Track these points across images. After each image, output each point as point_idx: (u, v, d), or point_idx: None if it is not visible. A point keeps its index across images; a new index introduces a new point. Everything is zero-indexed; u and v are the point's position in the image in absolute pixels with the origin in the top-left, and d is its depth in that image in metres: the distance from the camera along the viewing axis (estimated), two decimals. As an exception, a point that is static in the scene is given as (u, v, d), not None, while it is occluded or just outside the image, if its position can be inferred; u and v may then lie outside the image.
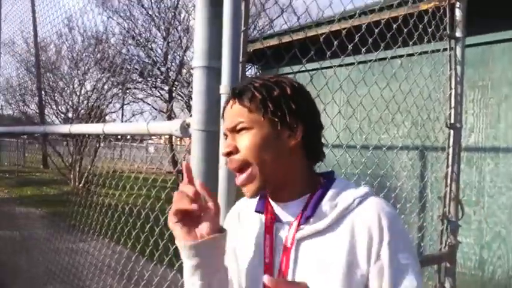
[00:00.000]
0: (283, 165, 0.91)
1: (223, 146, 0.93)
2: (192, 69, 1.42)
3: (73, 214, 3.19)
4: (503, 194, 3.44)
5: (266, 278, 0.68)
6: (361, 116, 1.95)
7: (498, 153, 3.48)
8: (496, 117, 3.51)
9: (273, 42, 3.34)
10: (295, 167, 0.93)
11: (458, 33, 2.07)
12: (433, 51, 2.08)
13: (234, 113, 0.91)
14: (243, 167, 0.90)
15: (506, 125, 3.44)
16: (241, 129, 0.90)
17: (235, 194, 1.34)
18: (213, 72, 1.35)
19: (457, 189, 2.11)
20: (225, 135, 0.95)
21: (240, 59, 1.33)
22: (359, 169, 2.00)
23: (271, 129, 0.89)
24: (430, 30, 2.03)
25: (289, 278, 0.88)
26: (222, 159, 1.34)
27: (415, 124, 2.17)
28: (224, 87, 1.31)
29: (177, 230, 0.88)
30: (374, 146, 2.19)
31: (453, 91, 2.09)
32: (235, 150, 0.90)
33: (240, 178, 0.91)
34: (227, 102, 0.94)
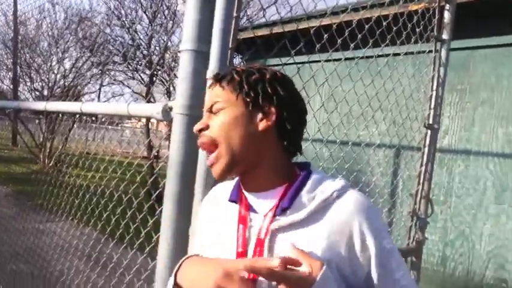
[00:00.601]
0: (253, 148, 0.91)
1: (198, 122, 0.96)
2: (179, 52, 1.39)
3: (41, 193, 3.10)
4: (470, 195, 3.55)
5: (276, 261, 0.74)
6: (342, 111, 1.96)
7: (469, 156, 3.59)
8: (470, 121, 3.61)
9: (262, 32, 3.32)
10: (268, 153, 0.92)
11: (444, 36, 2.11)
12: (418, 52, 2.12)
13: (212, 94, 0.96)
14: (212, 146, 0.92)
15: (480, 129, 3.54)
16: (217, 109, 0.93)
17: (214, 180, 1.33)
18: (200, 56, 1.33)
19: (429, 188, 2.17)
20: (204, 115, 0.99)
21: (230, 45, 1.31)
22: (336, 163, 2.02)
23: (244, 110, 0.92)
24: (418, 30, 2.05)
25: None
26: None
27: (393, 122, 2.20)
28: (211, 72, 1.29)
29: None
30: (352, 142, 2.21)
31: (434, 93, 2.13)
32: (206, 128, 0.94)
33: (210, 158, 0.93)
34: (209, 86, 0.99)
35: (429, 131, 2.14)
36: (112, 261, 1.77)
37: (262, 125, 0.91)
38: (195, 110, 1.32)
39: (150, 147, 6.36)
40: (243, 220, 0.92)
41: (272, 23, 3.33)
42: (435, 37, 2.12)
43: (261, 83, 0.92)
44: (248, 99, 0.91)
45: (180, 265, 0.94)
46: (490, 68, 3.53)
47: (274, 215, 0.88)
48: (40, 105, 2.21)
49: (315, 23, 1.72)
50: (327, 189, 0.88)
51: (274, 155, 0.93)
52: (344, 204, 0.87)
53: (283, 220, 0.87)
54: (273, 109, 0.91)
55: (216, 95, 0.94)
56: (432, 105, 2.14)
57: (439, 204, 3.66)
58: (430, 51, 2.15)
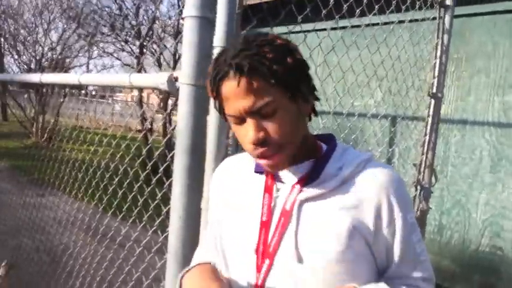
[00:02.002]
0: (301, 133, 0.89)
1: (251, 133, 0.82)
2: (182, 19, 1.34)
3: (38, 168, 3.06)
4: (466, 164, 3.59)
5: None
6: (342, 80, 1.92)
7: (465, 125, 3.60)
8: (466, 90, 3.60)
9: None
10: (305, 131, 0.91)
11: (448, 1, 2.06)
12: (423, 20, 2.07)
13: (251, 92, 0.79)
14: (277, 151, 0.84)
15: (476, 98, 3.54)
16: (272, 110, 0.81)
17: (225, 151, 1.31)
18: (206, 22, 1.27)
19: (433, 158, 2.17)
20: (235, 117, 0.83)
21: (237, 11, 1.26)
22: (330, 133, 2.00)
23: (293, 104, 0.84)
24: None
25: (291, 238, 0.87)
26: (212, 115, 1.29)
27: (390, 92, 2.17)
28: (218, 39, 1.25)
29: None
30: (347, 112, 2.18)
31: (438, 60, 2.10)
32: (266, 137, 0.82)
33: (273, 162, 0.85)
34: (224, 77, 0.81)
35: (433, 100, 2.13)
36: (121, 234, 1.77)
37: (305, 109, 0.88)
38: (202, 80, 1.27)
39: (144, 119, 6.29)
40: (268, 190, 0.92)
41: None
42: (439, 3, 2.08)
43: (296, 65, 0.83)
44: (293, 89, 0.83)
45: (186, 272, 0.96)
46: (487, 35, 3.50)
47: (303, 186, 0.88)
48: (35, 77, 2.13)
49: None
50: (354, 161, 0.89)
51: (305, 131, 0.91)
52: (372, 175, 0.87)
53: (311, 190, 0.87)
54: (306, 89, 0.87)
55: (258, 92, 0.79)
56: (436, 74, 2.12)
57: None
58: (434, 19, 2.11)
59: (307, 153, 0.91)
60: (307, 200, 0.88)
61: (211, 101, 1.31)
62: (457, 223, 3.64)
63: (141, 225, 1.50)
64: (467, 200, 3.57)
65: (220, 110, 0.88)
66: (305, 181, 0.89)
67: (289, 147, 0.85)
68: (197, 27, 1.27)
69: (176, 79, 1.34)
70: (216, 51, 1.27)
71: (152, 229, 1.45)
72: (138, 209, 1.55)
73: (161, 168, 1.54)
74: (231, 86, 0.80)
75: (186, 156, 1.29)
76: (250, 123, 0.82)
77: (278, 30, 1.53)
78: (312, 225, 0.86)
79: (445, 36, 2.08)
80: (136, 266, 1.61)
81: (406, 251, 0.88)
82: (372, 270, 0.89)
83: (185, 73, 1.29)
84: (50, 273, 2.46)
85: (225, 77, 0.81)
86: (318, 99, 0.92)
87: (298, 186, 0.89)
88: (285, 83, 0.81)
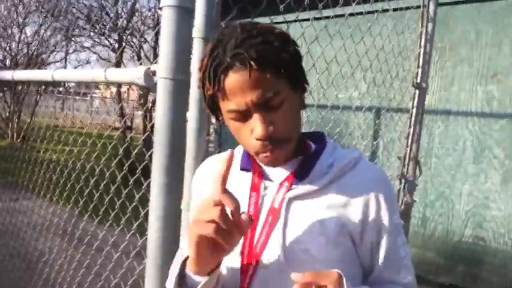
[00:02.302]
0: (300, 129, 0.87)
1: (260, 127, 0.77)
2: (159, 9, 1.26)
3: (12, 170, 2.95)
4: (449, 155, 3.59)
5: (294, 275, 0.68)
6: (321, 71, 1.87)
7: (449, 116, 3.61)
8: (450, 80, 3.60)
9: None
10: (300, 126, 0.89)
11: (433, -11, 2.03)
12: (407, 8, 2.03)
13: (260, 83, 0.75)
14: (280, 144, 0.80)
15: (459, 88, 3.55)
16: (279, 102, 0.77)
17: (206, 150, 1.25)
18: (184, 12, 1.19)
19: (417, 150, 2.15)
20: (239, 112, 0.78)
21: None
22: (314, 127, 1.95)
23: (295, 94, 0.81)
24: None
25: (278, 237, 0.84)
26: (192, 111, 1.22)
27: (374, 83, 2.13)
28: (198, 30, 1.18)
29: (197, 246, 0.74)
30: (331, 105, 2.13)
31: (422, 50, 2.07)
32: (275, 130, 0.78)
33: (277, 156, 0.81)
34: (229, 69, 0.75)
35: (417, 91, 2.10)
36: (98, 238, 1.69)
37: (303, 101, 0.86)
38: (181, 73, 1.20)
39: (122, 116, 6.14)
40: (255, 188, 0.88)
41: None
42: (423, -10, 2.04)
43: (296, 54, 0.80)
44: (296, 79, 0.80)
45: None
46: (470, 23, 3.50)
47: (291, 184, 0.85)
48: (7, 75, 2.04)
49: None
50: (344, 158, 0.87)
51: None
52: (361, 173, 0.87)
53: (300, 188, 0.85)
54: (304, 80, 0.84)
55: (268, 84, 0.75)
56: (420, 63, 2.09)
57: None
58: (418, 7, 2.07)
59: (296, 150, 0.87)
60: (295, 198, 0.85)
61: (191, 96, 1.25)
62: (441, 215, 3.65)
63: (119, 228, 1.43)
64: (450, 192, 3.58)
65: (214, 107, 0.83)
66: (294, 179, 0.86)
67: (293, 140, 0.82)
68: (175, 18, 1.19)
69: (154, 73, 1.27)
70: (195, 43, 1.20)
71: (130, 232, 1.38)
72: (115, 211, 1.47)
73: (139, 168, 1.47)
74: (237, 78, 0.74)
75: (165, 155, 1.23)
76: (257, 117, 0.77)
77: (260, 20, 1.47)
78: (300, 223, 0.84)
79: (430, 25, 2.04)
80: (115, 271, 1.54)
81: (390, 254, 0.86)
82: (358, 271, 0.88)
83: (163, 67, 1.22)
84: (25, 279, 2.36)
85: (229, 68, 0.74)
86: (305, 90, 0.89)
87: (286, 184, 0.86)
88: (291, 72, 0.78)
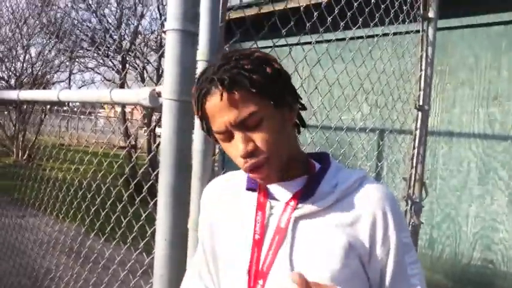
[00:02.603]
0: (289, 144, 0.87)
1: (240, 146, 0.80)
2: (163, 32, 1.30)
3: (17, 188, 2.97)
4: (454, 176, 3.58)
5: (293, 275, 0.67)
6: (324, 93, 1.90)
7: (452, 137, 3.61)
8: (451, 102, 3.62)
9: (251, 12, 3.20)
10: (295, 144, 0.90)
11: (431, 14, 2.07)
12: (407, 33, 2.07)
13: (234, 104, 0.79)
14: (263, 162, 0.82)
15: (461, 110, 3.56)
16: (256, 121, 0.80)
17: (212, 169, 1.26)
18: (188, 36, 1.23)
19: (422, 171, 2.15)
20: (222, 132, 0.82)
21: (220, 24, 1.23)
22: (318, 148, 1.96)
23: (277, 112, 0.83)
24: (405, 8, 2.00)
25: (285, 257, 0.84)
26: (197, 133, 1.24)
27: (377, 105, 2.16)
28: (202, 54, 1.21)
29: None
30: (340, 127, 2.16)
31: (423, 73, 2.09)
32: (255, 148, 0.81)
33: (261, 173, 0.83)
34: (207, 94, 0.81)
35: (420, 113, 2.11)
36: (104, 257, 1.69)
37: (291, 117, 0.87)
38: (185, 95, 1.23)
39: (127, 135, 6.17)
40: (261, 207, 0.90)
41: (256, 2, 3.25)
42: (421, 16, 2.08)
43: (277, 74, 0.83)
44: (276, 98, 0.82)
45: None
46: (468, 48, 3.54)
47: (297, 203, 0.86)
48: (12, 94, 2.07)
49: (304, 1, 1.65)
50: (350, 178, 0.88)
51: (295, 144, 0.91)
52: (368, 192, 0.87)
53: (307, 207, 0.86)
54: (290, 97, 0.86)
55: (242, 103, 0.79)
56: (422, 86, 2.11)
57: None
58: (418, 31, 2.11)
59: (300, 170, 0.90)
60: (302, 217, 0.86)
61: (196, 117, 1.27)
62: (448, 237, 3.62)
63: (126, 246, 1.43)
64: (457, 213, 3.56)
65: (208, 130, 0.87)
66: (299, 198, 0.87)
67: (279, 156, 0.83)
68: (179, 41, 1.23)
69: (159, 94, 1.29)
70: (199, 66, 1.23)
71: (137, 251, 1.38)
72: (122, 230, 1.48)
73: (145, 187, 1.48)
74: (214, 102, 0.80)
75: (171, 174, 1.24)
76: (237, 136, 0.81)
77: (262, 43, 1.50)
78: (307, 243, 0.84)
79: (429, 49, 2.08)
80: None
81: (398, 273, 0.85)
82: None
83: (168, 88, 1.25)
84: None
85: (207, 94, 0.81)
86: (304, 108, 0.92)
87: (292, 203, 0.87)
88: (267, 91, 0.81)
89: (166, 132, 1.25)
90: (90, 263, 1.90)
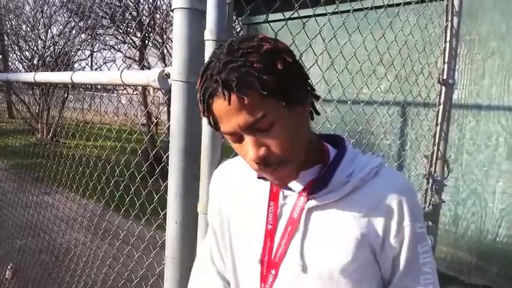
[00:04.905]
0: (304, 139, 0.82)
1: (251, 151, 0.76)
2: (171, 11, 1.25)
3: (41, 166, 3.03)
4: (481, 151, 3.45)
5: None
6: (342, 67, 1.81)
7: (480, 110, 3.46)
8: (480, 74, 3.45)
9: None
10: (309, 135, 0.85)
11: (457, -20, 1.94)
12: (431, 1, 1.94)
13: (243, 107, 0.73)
14: (280, 164, 0.78)
15: (490, 82, 3.40)
16: (268, 124, 0.74)
17: (221, 152, 1.23)
18: (196, 14, 1.19)
19: (445, 148, 2.06)
20: (232, 134, 0.77)
21: (228, 0, 1.17)
22: (336, 124, 1.91)
23: (290, 111, 0.77)
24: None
25: (297, 247, 0.84)
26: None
27: (397, 78, 2.04)
28: (209, 33, 1.16)
29: None
30: (353, 101, 2.07)
31: (448, 44, 1.98)
32: (268, 153, 0.76)
33: (280, 176, 0.80)
34: (213, 96, 0.74)
35: (443, 87, 2.01)
36: (110, 232, 1.72)
37: (304, 112, 0.82)
38: (194, 76, 1.19)
39: (148, 114, 6.21)
40: (274, 197, 0.88)
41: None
42: (447, -18, 1.95)
43: (288, 69, 0.75)
44: (288, 98, 0.76)
45: None
46: (501, 14, 3.33)
47: (310, 193, 0.84)
48: (29, 77, 2.10)
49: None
50: (364, 168, 0.85)
51: (309, 134, 0.86)
52: (383, 183, 0.84)
53: (320, 198, 0.84)
54: (303, 92, 0.80)
55: (252, 108, 0.73)
56: (446, 59, 2.00)
57: (450, 162, 3.55)
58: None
59: (313, 158, 0.86)
60: (315, 208, 0.84)
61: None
62: (473, 213, 3.52)
63: (144, 219, 1.44)
64: (483, 189, 3.45)
65: (216, 127, 0.82)
66: (313, 188, 0.85)
67: (295, 157, 0.79)
68: (186, 20, 1.19)
69: (168, 76, 1.26)
70: (207, 46, 1.18)
71: (156, 223, 1.40)
72: (144, 204, 1.48)
73: (157, 169, 1.48)
74: (221, 104, 0.74)
75: (181, 158, 1.23)
76: (248, 140, 0.76)
77: (275, 17, 1.43)
78: (319, 234, 0.84)
79: (455, 19, 1.95)
80: (141, 262, 1.58)
81: (410, 262, 0.84)
82: (376, 279, 0.87)
83: (176, 69, 1.22)
84: (54, 270, 2.43)
85: (214, 95, 0.74)
86: (317, 97, 0.86)
87: (305, 194, 0.85)
88: (278, 92, 0.74)
89: (175, 114, 1.22)
90: (111, 236, 1.93)
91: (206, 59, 1.17)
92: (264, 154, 0.76)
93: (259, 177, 0.89)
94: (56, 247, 2.70)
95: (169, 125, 1.28)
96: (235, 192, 0.96)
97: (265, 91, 0.72)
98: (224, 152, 1.23)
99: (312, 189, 0.84)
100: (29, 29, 9.94)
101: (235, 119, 0.74)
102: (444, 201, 2.12)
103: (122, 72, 1.45)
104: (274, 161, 0.77)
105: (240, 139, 0.78)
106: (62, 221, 2.81)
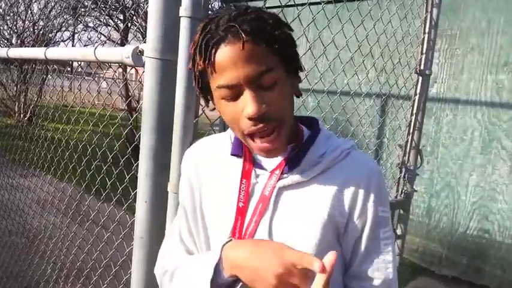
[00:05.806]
0: (293, 115, 0.83)
1: (252, 105, 0.73)
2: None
3: (16, 148, 2.97)
4: (457, 145, 3.52)
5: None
6: (329, 58, 1.82)
7: (457, 104, 3.52)
8: (459, 69, 3.51)
9: None
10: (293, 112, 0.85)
11: (437, -28, 1.95)
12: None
13: (255, 57, 0.72)
14: (275, 127, 0.77)
15: (469, 77, 3.45)
16: (271, 82, 0.74)
17: (194, 132, 1.22)
18: (171, -9, 1.17)
19: (419, 139, 2.09)
20: (231, 87, 0.74)
21: (204, -23, 1.15)
22: (312, 109, 1.91)
23: (288, 78, 0.79)
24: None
25: (266, 226, 0.84)
26: (179, 92, 1.19)
27: (382, 69, 2.06)
28: (184, 10, 1.14)
29: None
30: (339, 91, 2.08)
31: (426, 36, 2.00)
32: (267, 111, 0.74)
33: (272, 139, 0.77)
34: (221, 42, 0.72)
35: (420, 78, 2.03)
36: (90, 218, 1.69)
37: (295, 85, 0.83)
38: (168, 53, 1.18)
39: (128, 97, 6.12)
40: (246, 175, 0.87)
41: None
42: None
43: (290, 35, 0.78)
44: (291, 62, 0.78)
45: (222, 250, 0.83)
46: (482, 10, 3.38)
47: (282, 172, 0.84)
48: (1, 53, 2.04)
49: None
50: (337, 149, 0.86)
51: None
52: (352, 164, 0.85)
53: (291, 178, 0.84)
54: (299, 65, 0.82)
55: (263, 59, 0.72)
56: (424, 50, 2.02)
57: (426, 155, 3.62)
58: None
59: (291, 138, 0.85)
60: (286, 187, 0.84)
61: (179, 74, 1.21)
62: (446, 206, 3.59)
63: (126, 205, 1.43)
64: (457, 182, 3.52)
65: (203, 86, 0.80)
66: (285, 167, 0.84)
67: (288, 124, 0.79)
68: (161, -4, 1.17)
69: (142, 52, 1.24)
70: (182, 22, 1.16)
71: (127, 204, 1.39)
72: (116, 185, 1.46)
73: (129, 149, 1.46)
74: (229, 51, 0.72)
75: (152, 137, 1.22)
76: (248, 95, 0.73)
77: (270, 3, 1.43)
78: (289, 213, 0.84)
79: (434, 10, 1.97)
80: (111, 243, 1.57)
81: (370, 245, 0.84)
82: (340, 262, 0.87)
83: (150, 46, 1.20)
84: (26, 253, 2.39)
85: (221, 41, 0.72)
86: (300, 80, 0.86)
87: (277, 172, 0.85)
88: (286, 52, 0.76)
89: (148, 92, 1.20)
90: (82, 220, 1.91)
91: (181, 36, 1.16)
92: (264, 110, 0.74)
93: (232, 154, 0.89)
94: (26, 228, 2.66)
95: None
96: (208, 170, 0.94)
97: (277, 45, 0.73)
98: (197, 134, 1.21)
99: (284, 169, 0.84)
100: (7, 7, 9.66)
101: (242, 69, 0.72)
102: (416, 191, 2.16)
103: (95, 48, 1.43)
104: (273, 116, 0.75)
105: (236, 95, 0.75)
106: (33, 201, 2.77)
